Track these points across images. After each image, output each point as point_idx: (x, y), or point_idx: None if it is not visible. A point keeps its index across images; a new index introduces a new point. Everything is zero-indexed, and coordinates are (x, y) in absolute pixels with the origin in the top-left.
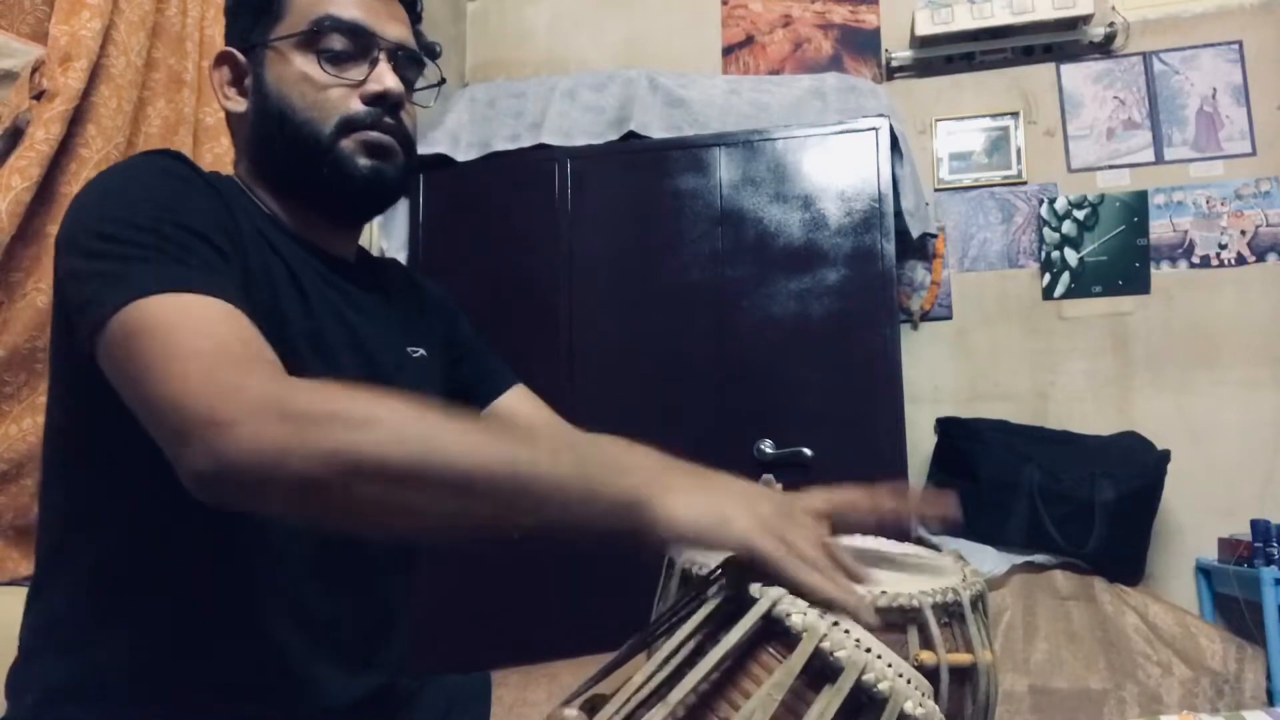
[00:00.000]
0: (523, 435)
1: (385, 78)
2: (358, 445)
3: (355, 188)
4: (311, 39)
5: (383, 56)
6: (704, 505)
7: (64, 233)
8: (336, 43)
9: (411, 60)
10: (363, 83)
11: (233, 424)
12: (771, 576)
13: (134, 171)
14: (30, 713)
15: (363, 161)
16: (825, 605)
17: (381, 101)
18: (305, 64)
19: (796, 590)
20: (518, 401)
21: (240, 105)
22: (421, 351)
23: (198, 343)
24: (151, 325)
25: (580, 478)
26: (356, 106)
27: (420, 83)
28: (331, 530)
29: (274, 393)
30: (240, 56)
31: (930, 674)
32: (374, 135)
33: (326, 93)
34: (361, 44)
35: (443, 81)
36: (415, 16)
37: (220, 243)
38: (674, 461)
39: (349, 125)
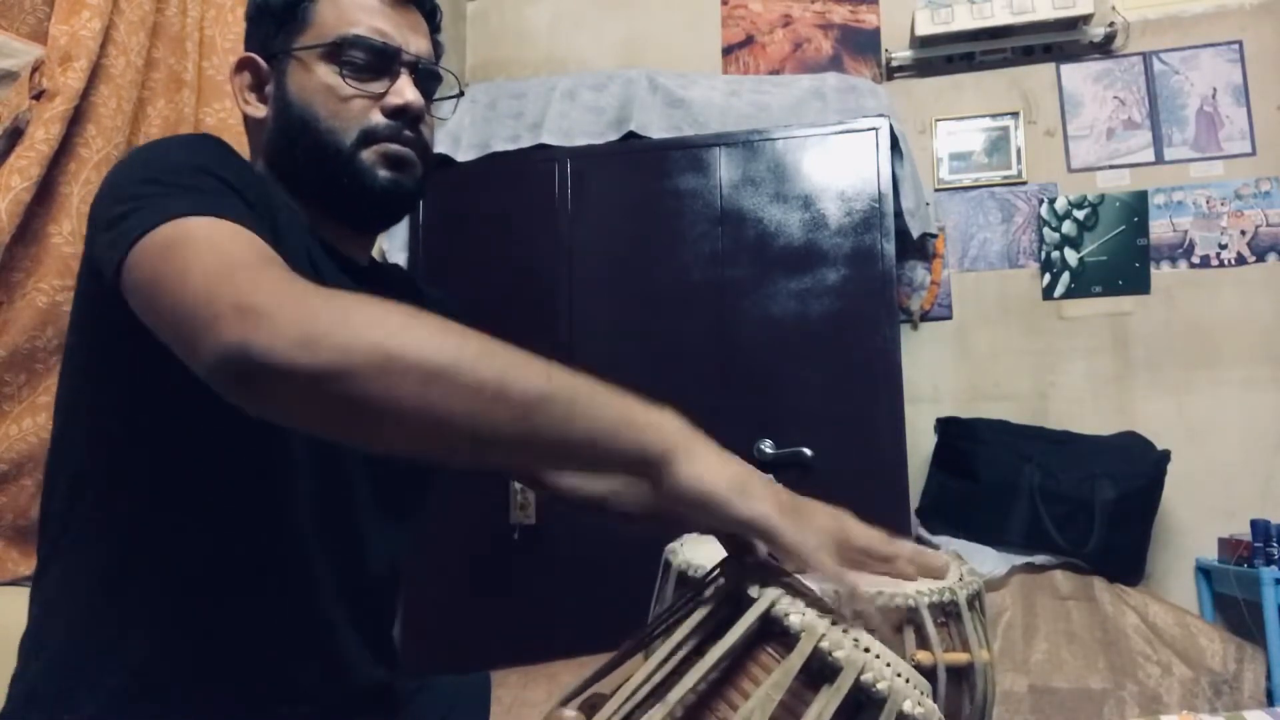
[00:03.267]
0: (562, 367)
1: (406, 91)
2: (395, 337)
3: (373, 198)
4: (335, 52)
5: (404, 70)
6: (729, 471)
7: (99, 197)
8: (360, 57)
9: (431, 73)
10: (384, 95)
11: (265, 311)
12: (782, 556)
13: (177, 142)
14: (43, 686)
15: (382, 173)
16: (835, 588)
17: (402, 115)
18: (328, 75)
19: (811, 567)
20: None
21: (260, 111)
22: None
23: (233, 252)
24: (185, 238)
25: (613, 406)
26: (377, 119)
27: (440, 92)
28: (352, 440)
29: (314, 290)
30: (262, 63)
31: (927, 674)
32: (394, 148)
33: (349, 104)
34: (384, 58)
35: (460, 94)
36: (435, 27)
37: (254, 201)
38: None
39: (370, 137)
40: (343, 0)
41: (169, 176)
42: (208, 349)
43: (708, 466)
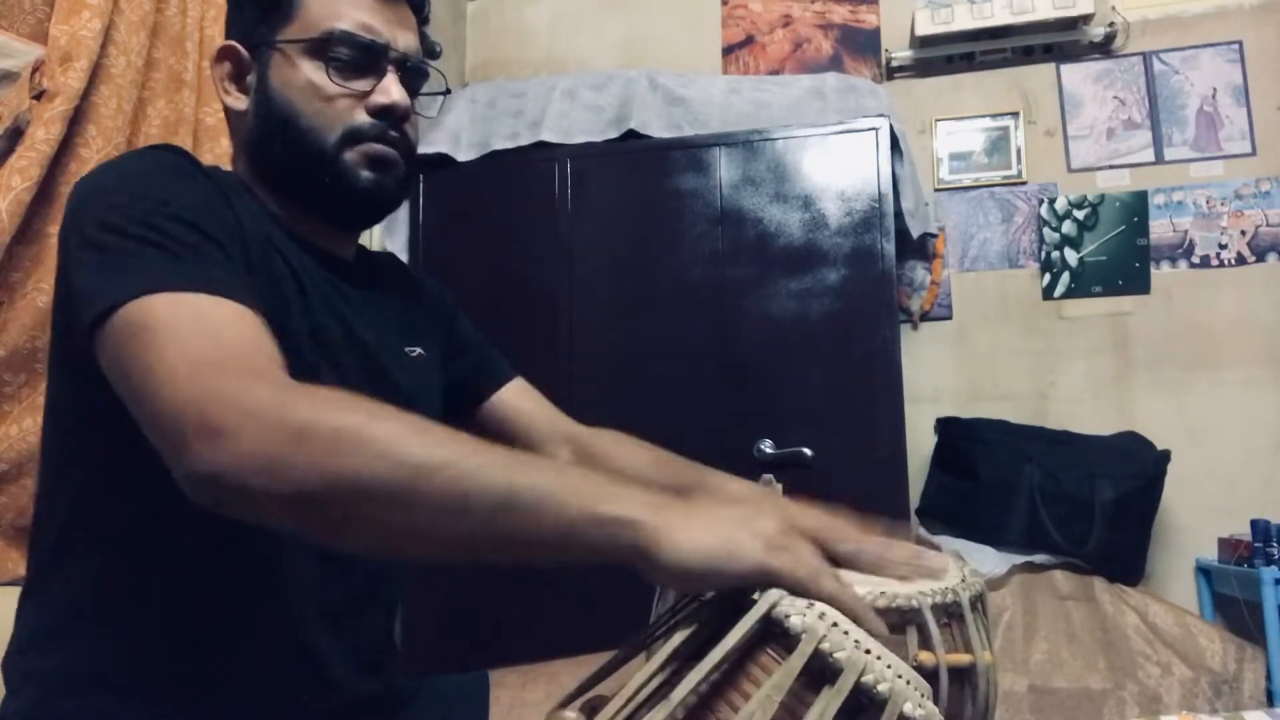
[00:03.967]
0: (523, 456)
1: (392, 90)
2: (353, 466)
3: (355, 198)
4: (321, 47)
5: (391, 68)
6: (708, 536)
7: (66, 222)
8: (346, 54)
9: (418, 70)
10: (369, 94)
11: (228, 433)
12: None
13: (137, 164)
14: (33, 705)
15: (365, 174)
16: (847, 614)
17: (387, 114)
18: (313, 71)
19: (816, 596)
20: (517, 395)
21: (241, 103)
22: (419, 350)
23: (198, 346)
24: (152, 325)
25: (578, 499)
26: (362, 119)
27: (426, 88)
28: (326, 545)
29: (273, 402)
30: (243, 52)
31: (929, 675)
32: (378, 148)
33: (333, 103)
34: (371, 55)
35: (447, 92)
36: (423, 19)
37: (222, 238)
38: (663, 495)
39: (354, 137)
40: None
41: (135, 225)
42: (177, 467)
43: (686, 542)
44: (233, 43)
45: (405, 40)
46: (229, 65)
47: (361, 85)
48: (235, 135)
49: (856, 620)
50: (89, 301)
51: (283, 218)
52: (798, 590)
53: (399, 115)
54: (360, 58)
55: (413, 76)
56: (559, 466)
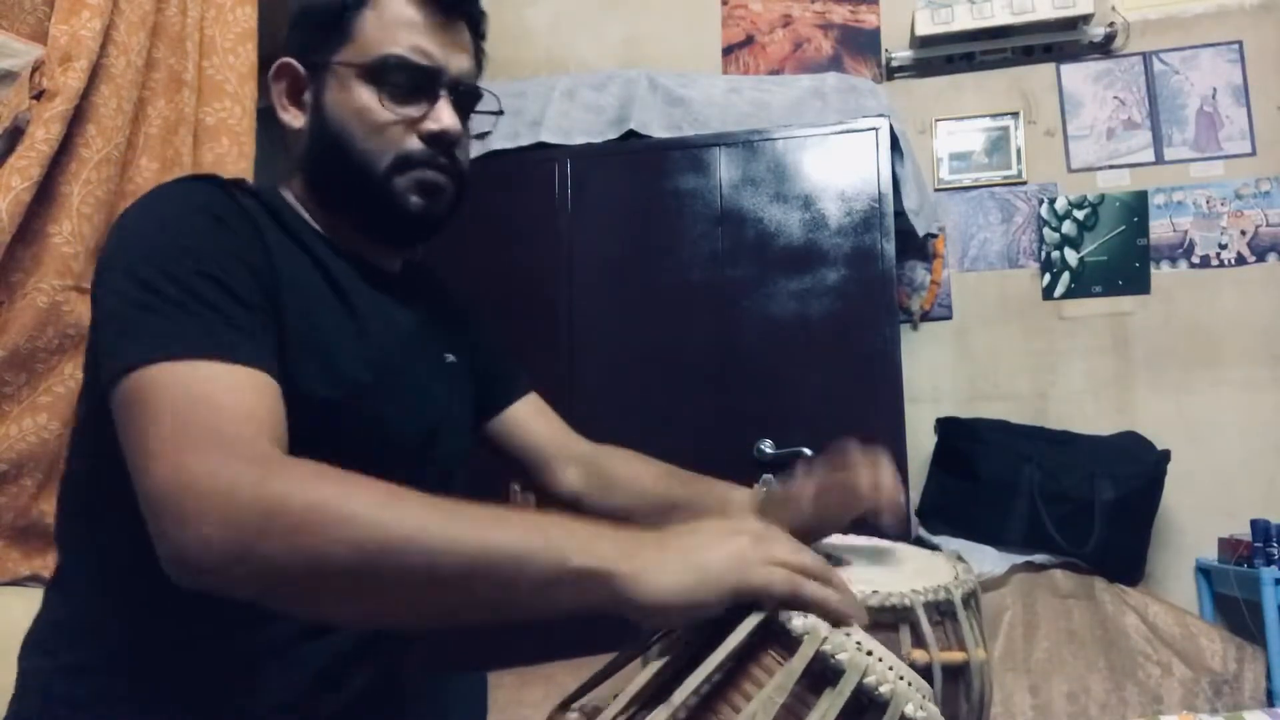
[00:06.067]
0: (495, 515)
1: (444, 117)
2: (319, 546)
3: (403, 224)
4: (376, 72)
5: (444, 92)
6: (682, 572)
7: (104, 260)
8: (400, 79)
9: (471, 92)
10: (421, 119)
11: (197, 520)
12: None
13: (170, 207)
14: (43, 705)
15: (414, 200)
16: (830, 616)
17: (439, 141)
18: (367, 96)
19: (805, 607)
20: (528, 413)
21: (299, 120)
22: (453, 358)
23: (185, 421)
24: (147, 398)
25: (551, 556)
26: (414, 145)
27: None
28: (301, 617)
29: (245, 482)
30: (300, 70)
31: (923, 672)
32: (429, 175)
33: (385, 129)
34: (425, 79)
35: (500, 113)
36: (480, 35)
37: (245, 291)
38: (636, 533)
39: (405, 163)
40: (387, 14)
41: (158, 279)
42: (157, 543)
43: (661, 583)
44: (290, 60)
45: (458, 63)
46: (286, 82)
47: (413, 111)
48: (290, 152)
49: (844, 623)
50: (108, 363)
51: (332, 233)
52: (782, 603)
53: (450, 141)
54: (413, 82)
55: (466, 99)
56: (531, 522)
